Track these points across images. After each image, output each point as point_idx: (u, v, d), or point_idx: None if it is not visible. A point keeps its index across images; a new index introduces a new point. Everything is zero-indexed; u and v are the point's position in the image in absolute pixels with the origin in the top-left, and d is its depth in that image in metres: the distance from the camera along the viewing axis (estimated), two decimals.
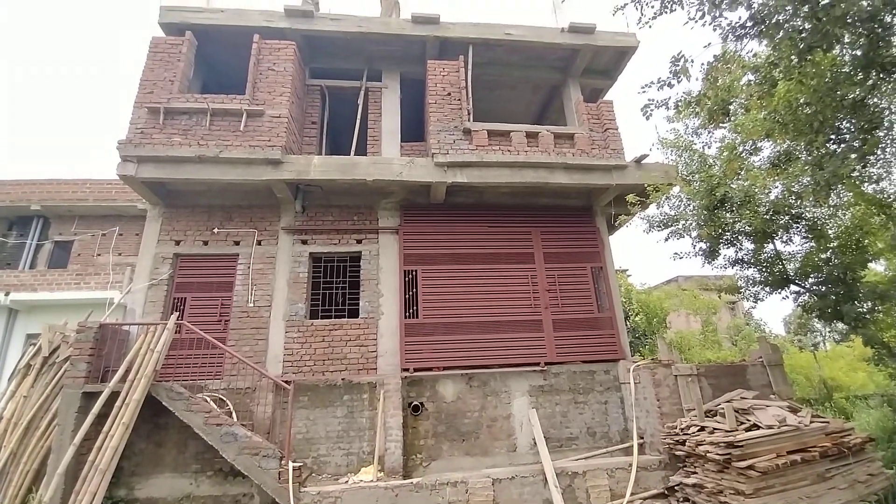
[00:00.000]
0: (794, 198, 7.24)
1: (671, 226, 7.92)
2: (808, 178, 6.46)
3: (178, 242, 7.64)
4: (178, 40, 7.89)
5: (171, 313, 6.83)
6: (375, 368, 7.21)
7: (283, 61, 8.02)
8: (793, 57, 4.88)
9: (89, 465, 5.36)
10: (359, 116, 8.92)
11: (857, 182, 6.67)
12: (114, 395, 5.76)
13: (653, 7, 5.17)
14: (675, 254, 8.34)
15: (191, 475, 6.17)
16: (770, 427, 5.62)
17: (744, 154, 7.43)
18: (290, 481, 5.59)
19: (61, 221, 11.51)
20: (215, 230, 7.72)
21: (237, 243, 7.72)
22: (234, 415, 6.42)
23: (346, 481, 6.15)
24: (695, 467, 5.93)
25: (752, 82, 5.85)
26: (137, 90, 7.49)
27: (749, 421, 5.84)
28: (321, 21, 8.44)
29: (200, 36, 8.14)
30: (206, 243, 7.68)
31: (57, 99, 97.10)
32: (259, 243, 7.73)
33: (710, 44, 5.44)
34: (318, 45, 8.80)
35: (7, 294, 9.87)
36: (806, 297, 8.17)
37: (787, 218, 7.50)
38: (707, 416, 6.26)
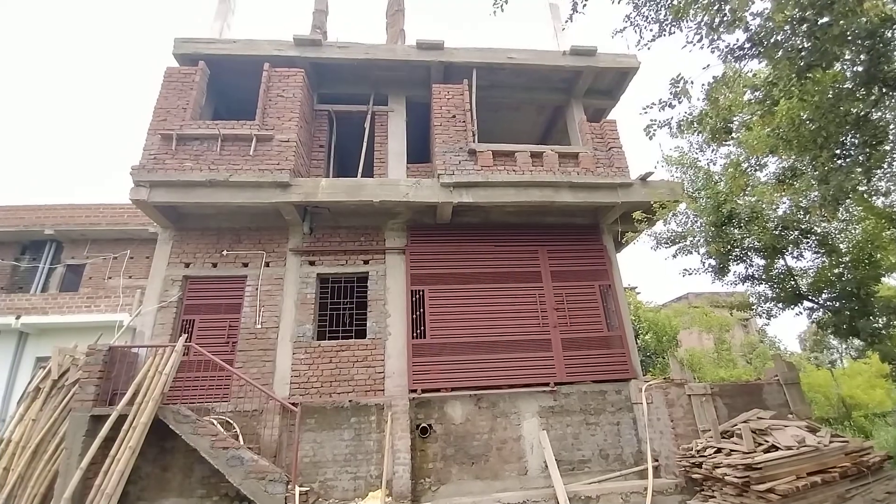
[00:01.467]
0: (802, 213, 7.20)
1: (679, 242, 7.89)
2: (816, 193, 6.43)
3: (187, 265, 7.73)
4: (191, 70, 8.17)
5: (180, 335, 6.85)
6: (383, 390, 7.14)
7: (292, 88, 8.24)
8: (792, 76, 4.92)
9: (95, 490, 5.31)
10: (365, 139, 9.09)
11: (866, 196, 6.64)
12: (121, 419, 5.74)
13: (651, 30, 5.27)
14: (685, 270, 8.24)
15: (196, 500, 6.07)
16: (789, 448, 5.47)
17: (749, 170, 7.43)
18: None
19: (74, 245, 11.71)
20: (224, 252, 7.81)
21: (245, 265, 7.80)
22: (240, 438, 6.35)
23: None
24: (712, 491, 5.75)
25: (752, 101, 5.89)
26: (151, 118, 7.72)
27: (767, 442, 5.68)
28: (329, 49, 8.71)
29: (213, 65, 8.42)
30: (215, 265, 7.77)
31: (56, 100, 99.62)
32: (267, 265, 7.80)
33: (708, 65, 5.53)
34: (325, 71, 9.05)
35: (18, 317, 9.97)
36: (820, 314, 8.03)
37: (796, 233, 7.45)
38: (723, 437, 6.10)
